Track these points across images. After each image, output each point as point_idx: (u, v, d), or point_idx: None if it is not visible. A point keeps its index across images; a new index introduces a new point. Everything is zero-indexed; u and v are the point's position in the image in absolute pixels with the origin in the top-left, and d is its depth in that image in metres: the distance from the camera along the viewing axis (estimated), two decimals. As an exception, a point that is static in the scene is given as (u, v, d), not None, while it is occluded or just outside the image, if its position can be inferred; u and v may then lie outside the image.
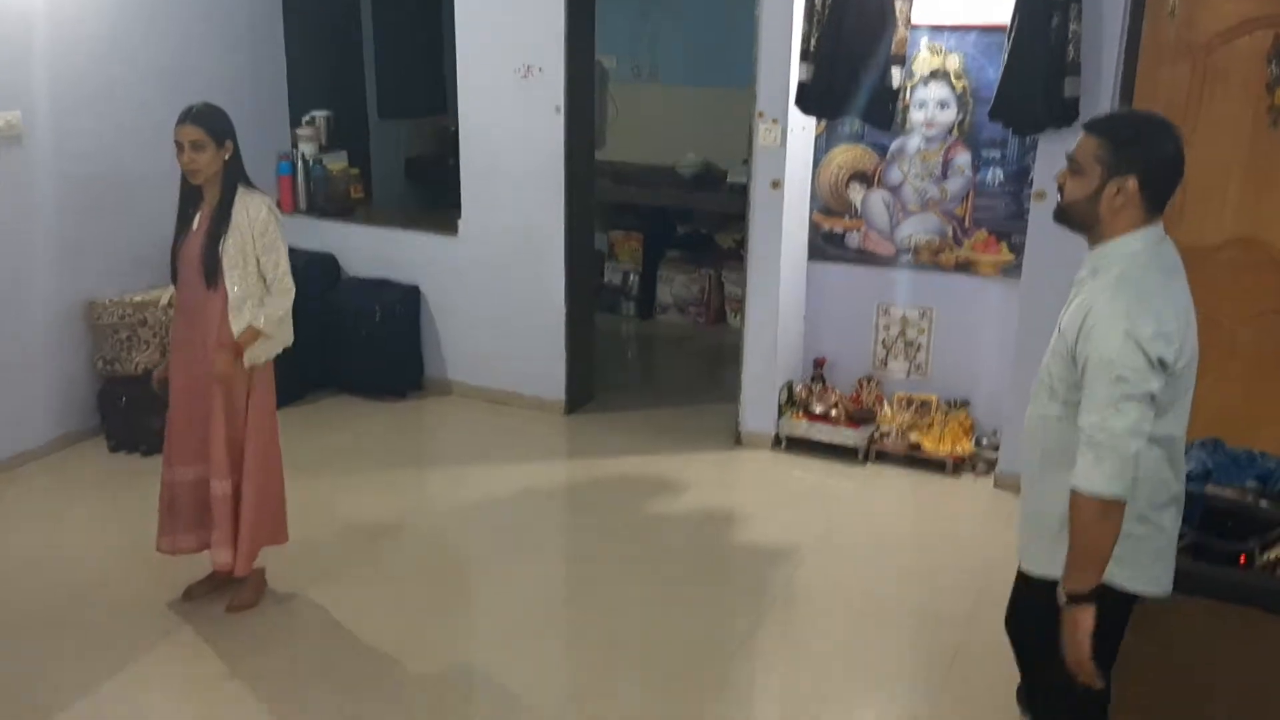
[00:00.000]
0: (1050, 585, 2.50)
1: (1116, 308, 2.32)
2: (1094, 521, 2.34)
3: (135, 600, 3.94)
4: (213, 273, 3.61)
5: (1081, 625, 2.38)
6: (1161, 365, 2.30)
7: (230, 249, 3.60)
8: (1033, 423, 2.60)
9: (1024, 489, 2.66)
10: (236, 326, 3.64)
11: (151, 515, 3.86)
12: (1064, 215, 2.51)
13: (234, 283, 3.62)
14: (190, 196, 3.67)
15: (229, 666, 3.61)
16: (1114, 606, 2.51)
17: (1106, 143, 2.39)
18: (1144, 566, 2.50)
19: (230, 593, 3.92)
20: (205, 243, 3.61)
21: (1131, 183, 2.36)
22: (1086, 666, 2.42)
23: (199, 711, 3.40)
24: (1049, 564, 2.51)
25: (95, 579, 4.12)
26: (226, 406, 3.70)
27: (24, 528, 4.53)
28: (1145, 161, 2.37)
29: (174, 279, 3.75)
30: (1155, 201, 2.40)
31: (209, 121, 3.56)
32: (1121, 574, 2.46)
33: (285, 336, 3.76)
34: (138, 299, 5.13)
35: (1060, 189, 2.49)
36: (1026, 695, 3.18)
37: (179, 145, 3.53)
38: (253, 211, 3.63)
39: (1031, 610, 2.70)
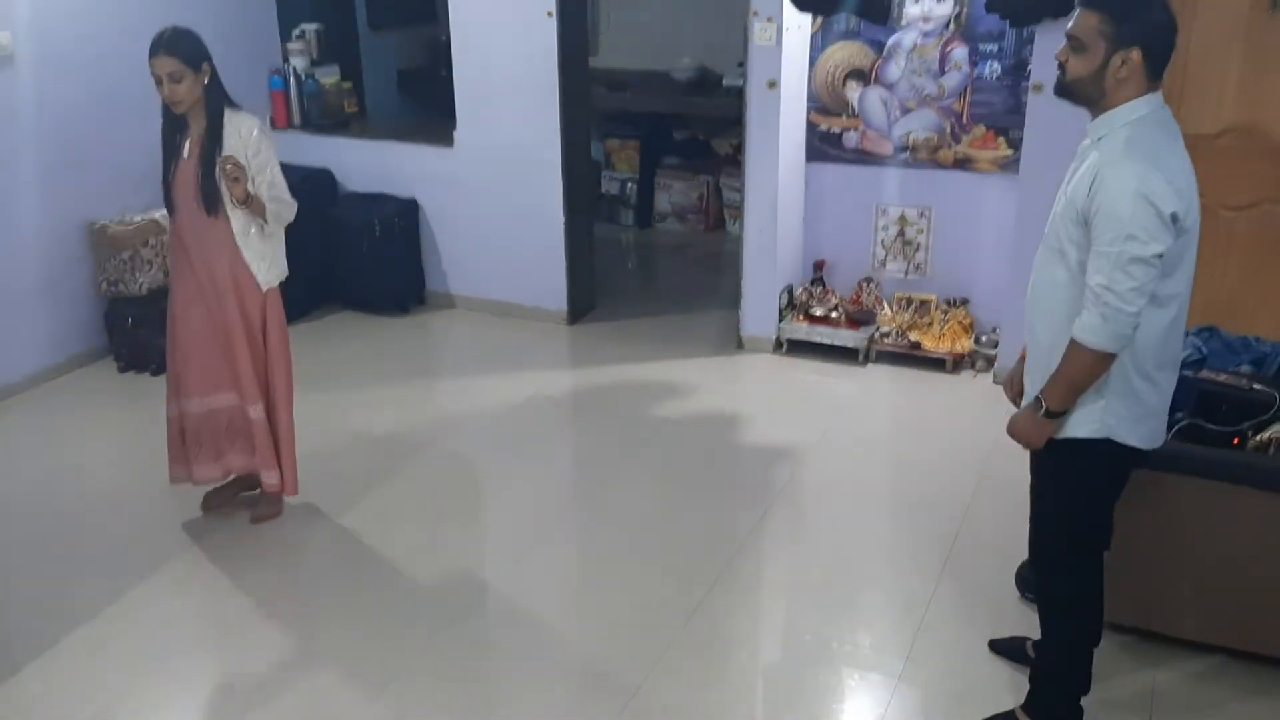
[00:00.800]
0: (1064, 443, 2.63)
1: (1128, 168, 2.38)
2: (1087, 367, 2.49)
3: (154, 514, 4.03)
4: (213, 201, 3.58)
5: (1045, 432, 2.61)
6: (1174, 220, 2.38)
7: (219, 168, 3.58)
8: (1041, 289, 2.66)
9: (1033, 355, 2.71)
10: (248, 254, 3.65)
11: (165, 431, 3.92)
12: (1067, 91, 2.55)
13: (234, 209, 3.61)
14: (176, 123, 3.59)
15: (246, 575, 3.71)
16: (1115, 462, 2.65)
17: (1107, 17, 2.42)
18: (1141, 422, 2.61)
19: (249, 502, 4.02)
20: (201, 171, 3.56)
21: (1135, 54, 2.41)
22: (1040, 444, 2.64)
23: (219, 616, 3.50)
24: (1071, 424, 2.61)
25: (113, 495, 4.20)
26: (248, 331, 3.72)
27: (40, 448, 4.61)
28: (1146, 31, 2.42)
29: (170, 209, 3.67)
30: (1156, 69, 2.46)
31: (181, 48, 3.45)
32: (1123, 429, 2.59)
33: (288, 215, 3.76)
34: (138, 219, 5.14)
35: (1062, 66, 2.53)
36: (1029, 573, 3.27)
37: (156, 79, 3.45)
38: (244, 132, 3.59)
39: (1039, 470, 2.80)
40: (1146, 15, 2.43)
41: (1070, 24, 2.49)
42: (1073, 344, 2.49)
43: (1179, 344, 2.62)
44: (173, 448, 3.87)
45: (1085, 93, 2.51)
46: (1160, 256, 2.39)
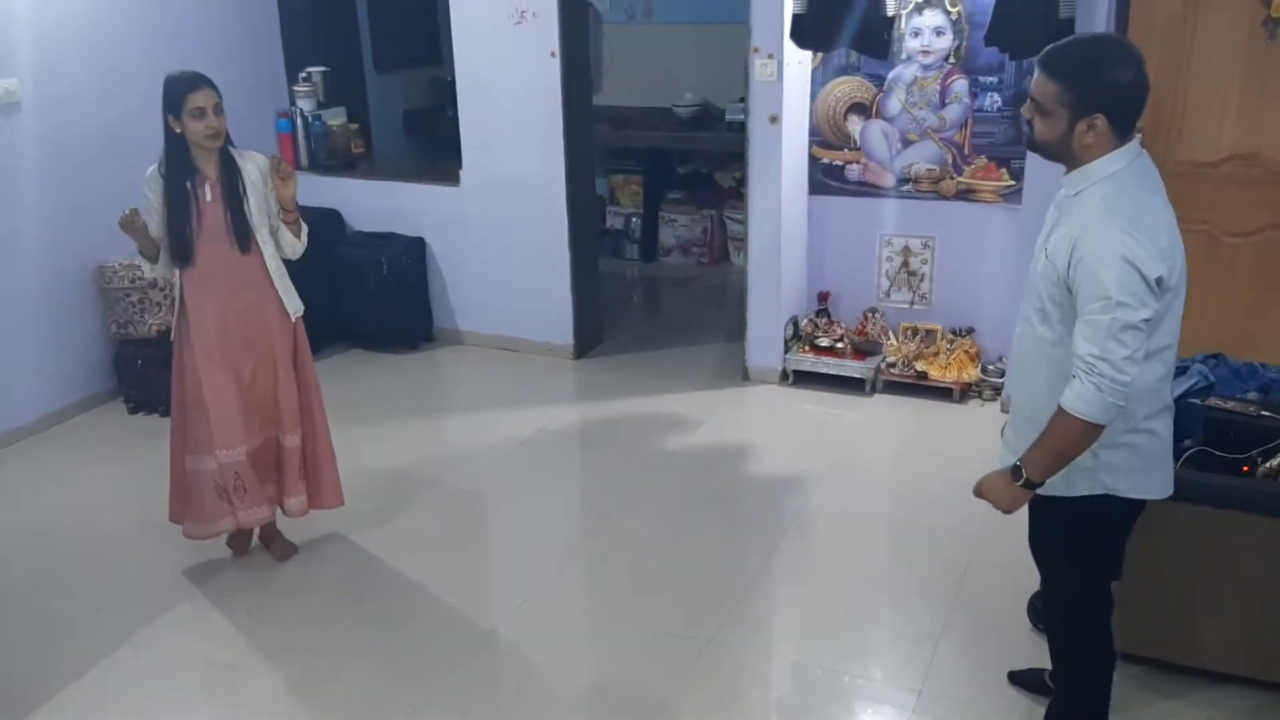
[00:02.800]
0: (1060, 502, 2.58)
1: (1109, 234, 2.32)
2: (1077, 438, 2.41)
3: (164, 555, 4.03)
4: (247, 237, 3.63)
5: (1019, 500, 2.54)
6: (1159, 284, 2.33)
7: (254, 210, 3.63)
8: (1027, 346, 2.63)
9: (1022, 411, 2.67)
10: (279, 286, 3.72)
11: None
12: (1037, 148, 2.51)
13: (265, 242, 3.66)
14: (185, 170, 3.55)
15: (254, 615, 3.72)
16: (1119, 513, 2.60)
17: (1067, 86, 2.36)
18: (1143, 474, 2.57)
19: (268, 547, 4.04)
20: (231, 211, 3.59)
21: (1100, 120, 2.35)
22: (1011, 511, 2.58)
23: (228, 657, 3.49)
24: (1056, 483, 2.56)
25: (123, 536, 4.20)
26: (285, 363, 3.79)
27: (49, 489, 4.62)
28: (1107, 96, 2.35)
29: (187, 259, 3.60)
30: (1126, 127, 2.40)
31: (214, 83, 3.54)
32: (1123, 484, 2.55)
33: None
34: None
35: (1029, 124, 2.47)
36: (1041, 604, 3.26)
37: (199, 111, 3.46)
38: (260, 165, 3.66)
39: (1039, 526, 2.78)
40: (1106, 80, 2.36)
41: (1032, 84, 2.43)
42: (1062, 414, 2.39)
43: (1168, 393, 2.58)
44: (202, 504, 3.76)
45: (1055, 153, 2.47)
46: (1148, 321, 2.34)
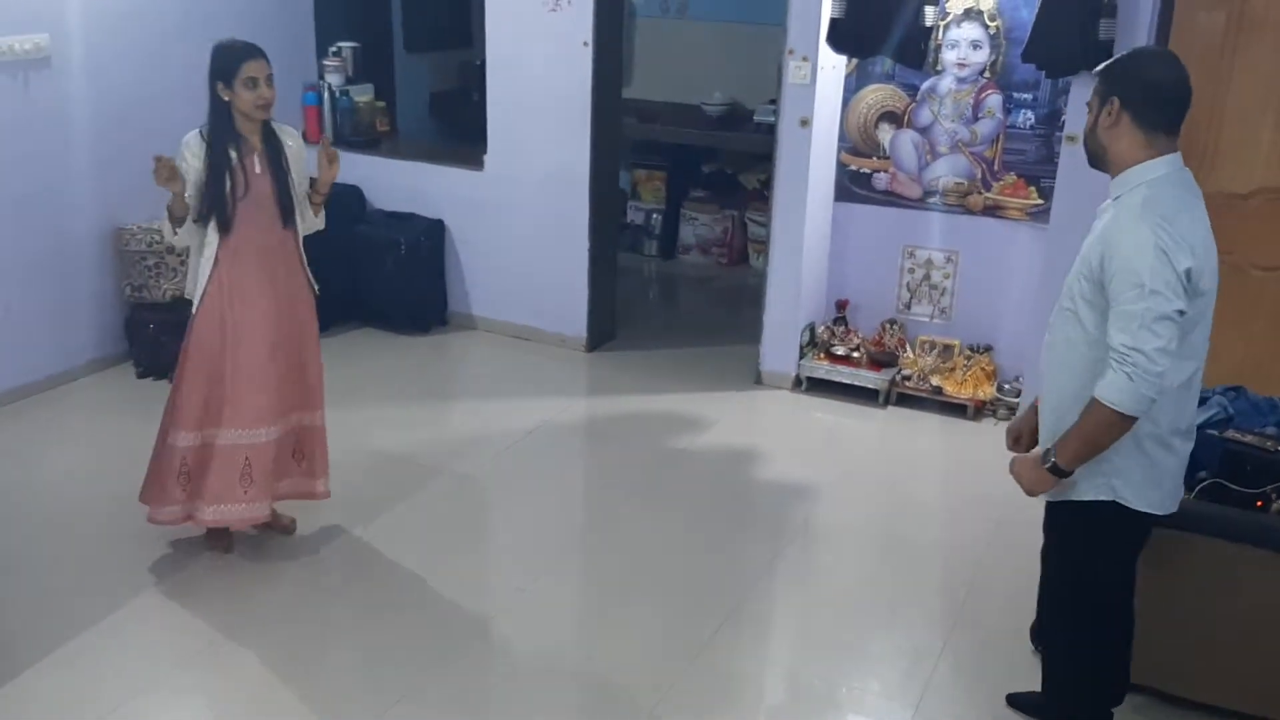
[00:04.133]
0: (1070, 505, 2.62)
1: (1143, 227, 2.39)
2: (1108, 428, 2.45)
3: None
4: (291, 213, 3.62)
5: (1046, 483, 2.61)
6: (1188, 276, 2.38)
7: (295, 184, 3.62)
8: (1058, 346, 2.65)
9: (1047, 405, 2.70)
10: (305, 263, 3.71)
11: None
12: (1087, 153, 2.63)
13: (300, 216, 3.66)
14: (231, 138, 3.50)
15: (252, 589, 3.70)
16: (1123, 525, 2.62)
17: (1101, 74, 2.56)
18: (1153, 486, 2.59)
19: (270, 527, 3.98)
20: (277, 185, 3.57)
21: (1115, 103, 2.48)
22: (1036, 494, 2.68)
23: (223, 630, 3.47)
24: (1078, 487, 2.60)
25: (125, 499, 4.17)
26: (315, 338, 3.78)
27: (53, 450, 4.61)
28: (1126, 82, 2.49)
29: (228, 227, 3.52)
30: (1150, 123, 2.48)
31: (266, 54, 3.51)
32: (1130, 493, 2.59)
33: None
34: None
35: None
36: (1042, 631, 3.23)
37: (253, 81, 3.43)
38: (294, 139, 3.66)
39: (1053, 530, 2.80)
40: (1131, 68, 2.52)
41: None
42: (1095, 403, 2.44)
43: (1194, 411, 2.60)
44: (223, 486, 3.63)
45: (1092, 148, 2.59)
46: (1183, 314, 2.38)
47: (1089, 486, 2.59)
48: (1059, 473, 2.56)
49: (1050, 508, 2.66)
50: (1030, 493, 2.68)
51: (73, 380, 5.18)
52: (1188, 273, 2.37)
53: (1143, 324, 2.35)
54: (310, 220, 3.75)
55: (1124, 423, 2.42)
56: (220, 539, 3.86)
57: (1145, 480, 2.56)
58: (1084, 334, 2.53)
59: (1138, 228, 2.39)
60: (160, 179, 3.41)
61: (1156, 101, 2.49)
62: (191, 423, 3.63)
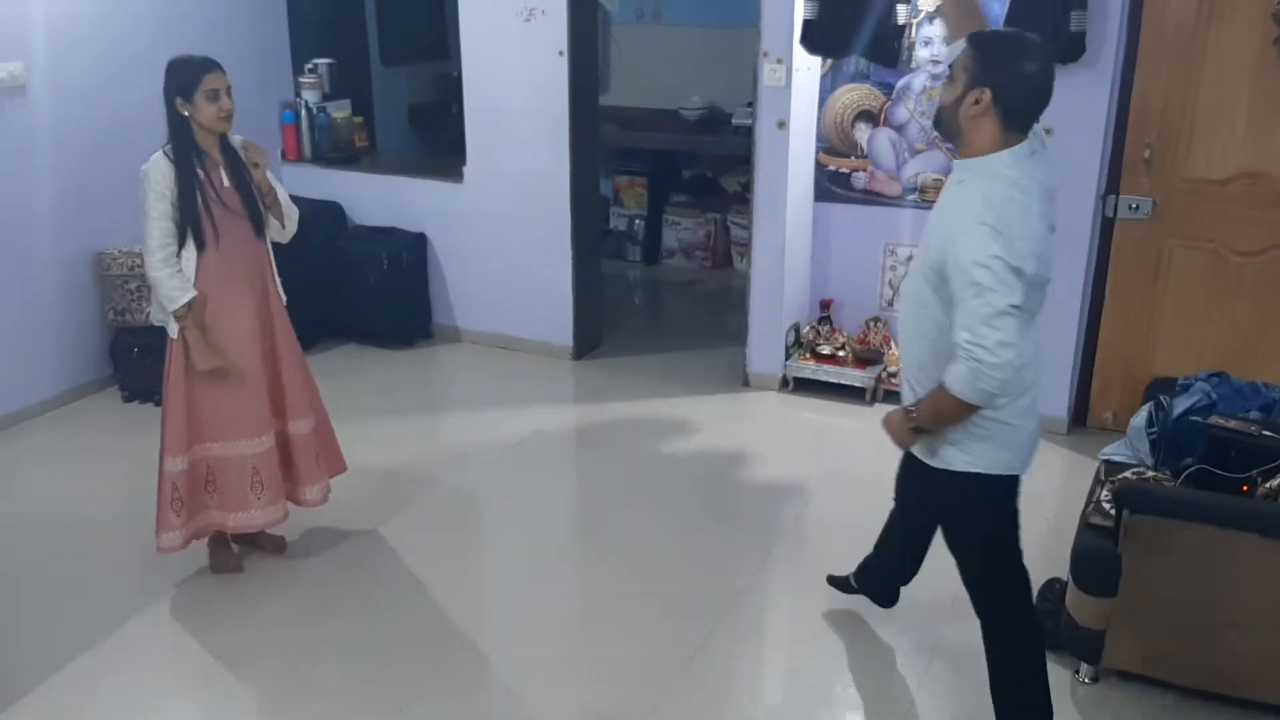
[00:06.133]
0: (932, 470, 2.78)
1: (983, 231, 2.45)
2: (955, 411, 2.59)
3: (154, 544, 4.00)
4: (262, 222, 3.63)
5: (908, 438, 2.78)
6: (1020, 274, 2.46)
7: (260, 195, 3.63)
8: (910, 311, 2.77)
9: (904, 365, 2.86)
10: (275, 270, 3.72)
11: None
12: (937, 119, 2.67)
13: (269, 227, 3.67)
14: (195, 154, 3.49)
15: (247, 607, 3.69)
16: (987, 489, 2.74)
17: (975, 53, 2.53)
18: (1006, 451, 2.69)
19: (258, 546, 3.99)
20: (244, 195, 3.58)
21: (986, 94, 2.49)
22: (901, 446, 2.88)
23: (220, 647, 3.47)
24: (940, 455, 2.74)
25: (116, 524, 4.17)
26: (296, 346, 3.79)
27: (42, 475, 4.61)
28: (1004, 76, 2.50)
29: (203, 244, 3.50)
30: (1012, 119, 2.52)
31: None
32: (987, 463, 2.69)
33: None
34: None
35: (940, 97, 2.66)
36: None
37: (214, 93, 3.43)
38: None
39: (921, 494, 3.02)
40: (1010, 63, 2.51)
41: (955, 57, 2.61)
42: (943, 388, 2.56)
43: (1034, 389, 2.70)
44: (174, 503, 3.64)
45: (947, 123, 2.61)
46: (1018, 307, 2.46)
47: (944, 456, 2.73)
48: (920, 431, 2.71)
49: (924, 474, 2.82)
50: (898, 445, 2.87)
51: (60, 406, 5.17)
52: (1019, 270, 2.45)
53: (983, 320, 2.44)
54: (275, 228, 3.72)
55: (969, 408, 2.56)
56: (227, 561, 3.86)
57: (995, 449, 2.68)
58: (930, 313, 2.64)
59: (977, 231, 2.45)
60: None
61: (1026, 103, 2.54)
62: (180, 446, 3.63)
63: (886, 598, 3.54)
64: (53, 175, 5.02)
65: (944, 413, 2.62)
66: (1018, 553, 2.86)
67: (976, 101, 2.50)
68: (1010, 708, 2.91)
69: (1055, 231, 2.67)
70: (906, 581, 3.47)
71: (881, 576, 3.52)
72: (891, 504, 3.49)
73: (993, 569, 2.87)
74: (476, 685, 3.35)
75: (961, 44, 2.61)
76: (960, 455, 2.70)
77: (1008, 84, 2.50)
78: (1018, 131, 2.55)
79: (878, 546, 3.49)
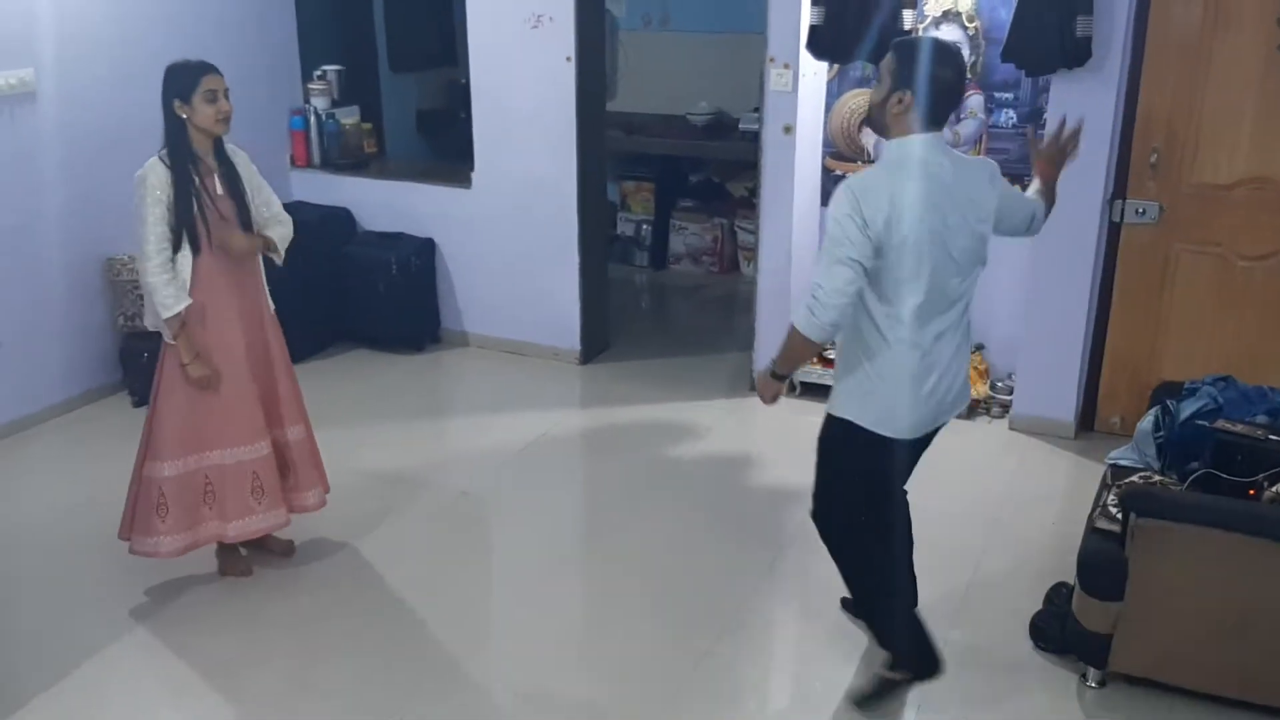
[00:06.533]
0: (829, 415, 3.11)
1: (847, 191, 2.82)
2: (798, 346, 2.96)
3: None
4: (253, 229, 3.65)
5: (769, 390, 3.14)
6: (865, 228, 2.77)
7: (252, 201, 3.65)
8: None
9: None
10: (273, 233, 3.72)
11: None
12: (868, 116, 3.05)
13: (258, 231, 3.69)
14: (192, 160, 3.50)
15: (253, 612, 3.71)
16: (863, 441, 3.02)
17: (898, 60, 2.87)
18: (876, 409, 2.98)
19: (267, 548, 4.01)
20: (237, 203, 3.60)
21: (908, 96, 2.83)
22: (769, 401, 3.17)
23: (225, 653, 3.48)
24: (832, 403, 3.11)
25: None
26: (285, 354, 3.80)
27: (52, 481, 4.63)
28: (920, 80, 2.83)
29: (197, 248, 3.52)
30: (929, 115, 2.85)
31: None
32: (855, 412, 3.01)
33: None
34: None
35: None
36: (1043, 623, 3.39)
37: (212, 95, 3.45)
38: (242, 158, 3.68)
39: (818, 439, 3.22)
40: (929, 68, 2.83)
41: (884, 61, 2.94)
42: (792, 330, 2.93)
43: (912, 360, 2.93)
44: (160, 510, 3.65)
45: (876, 119, 2.94)
46: (858, 261, 2.78)
47: (833, 404, 3.07)
48: (777, 377, 3.06)
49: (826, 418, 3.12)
50: (764, 400, 3.15)
51: (69, 411, 5.20)
52: (865, 226, 2.76)
53: (825, 266, 2.81)
54: (282, 236, 3.75)
55: (809, 344, 2.92)
56: (235, 564, 3.88)
57: (871, 405, 2.98)
58: None
59: (842, 192, 2.81)
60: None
61: (943, 100, 2.87)
62: (171, 452, 3.62)
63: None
64: (63, 181, 5.05)
65: (790, 350, 3.00)
66: (875, 510, 3.17)
67: (900, 101, 2.83)
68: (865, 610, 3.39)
69: (982, 223, 2.98)
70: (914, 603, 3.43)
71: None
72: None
73: (836, 505, 3.19)
74: (482, 689, 3.36)
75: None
76: (841, 403, 3.05)
77: (930, 88, 2.82)
78: (934, 126, 2.87)
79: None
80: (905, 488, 3.35)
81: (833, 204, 2.84)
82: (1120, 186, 4.66)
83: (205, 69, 3.49)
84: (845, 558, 3.25)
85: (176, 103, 3.47)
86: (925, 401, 2.99)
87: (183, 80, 3.47)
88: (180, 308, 3.50)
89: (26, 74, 4.81)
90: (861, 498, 3.17)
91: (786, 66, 4.98)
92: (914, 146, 2.85)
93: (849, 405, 3.02)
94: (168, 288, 3.48)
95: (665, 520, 4.31)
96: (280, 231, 3.72)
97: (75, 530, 4.20)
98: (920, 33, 5.01)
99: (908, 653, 3.18)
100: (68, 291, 5.15)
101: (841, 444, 3.08)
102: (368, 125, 6.48)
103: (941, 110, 2.89)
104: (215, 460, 3.66)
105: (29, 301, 4.98)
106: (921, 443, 3.16)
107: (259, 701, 3.28)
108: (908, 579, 3.36)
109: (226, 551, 3.88)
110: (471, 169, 5.86)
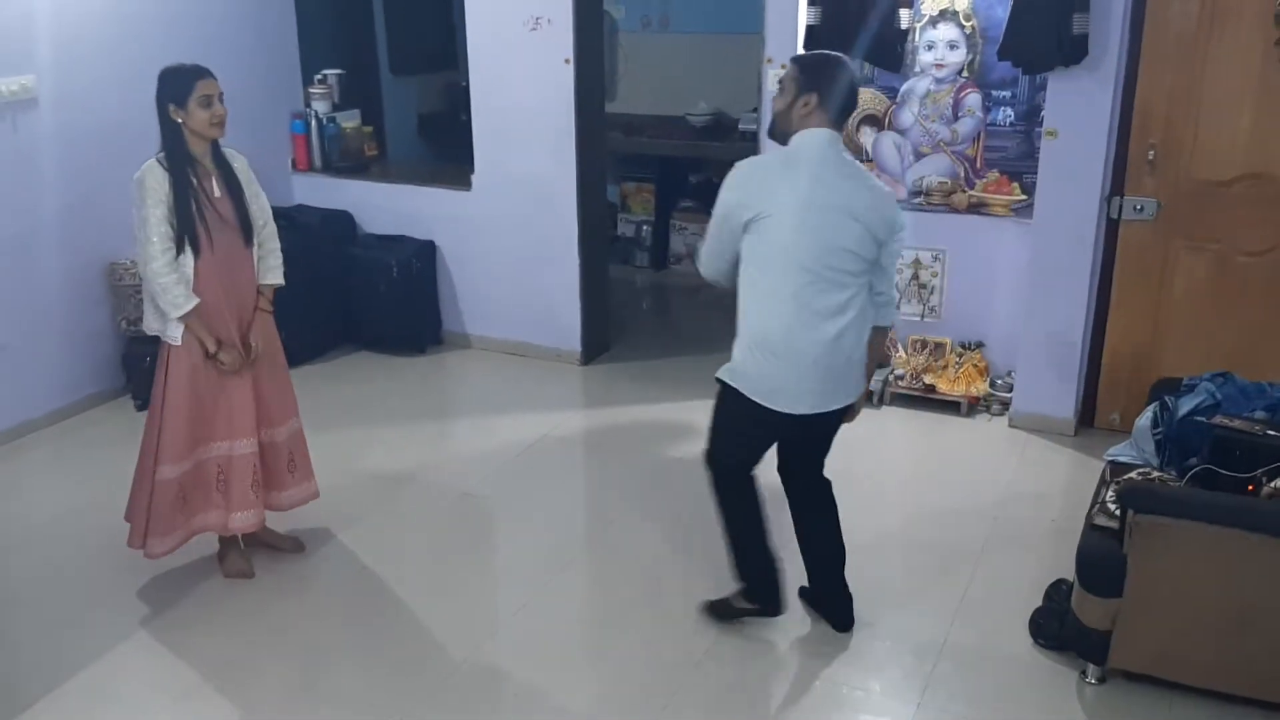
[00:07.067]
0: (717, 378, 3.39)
1: (726, 181, 3.22)
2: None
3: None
4: (251, 231, 3.68)
5: None
6: (725, 218, 3.22)
7: (250, 202, 3.68)
8: None
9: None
10: (273, 280, 3.76)
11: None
12: (772, 124, 3.29)
13: (254, 234, 3.70)
14: (188, 162, 3.53)
15: (254, 614, 3.72)
16: (748, 407, 3.28)
17: (799, 69, 3.20)
18: (756, 382, 3.25)
19: (275, 547, 4.04)
20: (236, 204, 3.62)
21: (814, 98, 3.14)
22: None
23: (228, 656, 3.49)
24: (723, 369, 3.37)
25: (125, 532, 4.21)
26: (279, 352, 3.86)
27: (55, 485, 4.64)
28: (822, 85, 3.14)
29: (198, 250, 3.53)
30: (831, 116, 3.16)
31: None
32: (741, 382, 3.28)
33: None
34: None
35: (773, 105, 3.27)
36: (1044, 620, 3.34)
37: (207, 99, 3.47)
38: (240, 160, 3.70)
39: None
40: (826, 75, 3.16)
41: (782, 75, 3.26)
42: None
43: (778, 333, 3.18)
44: (194, 503, 3.72)
45: (781, 125, 3.21)
46: (722, 238, 3.22)
47: (726, 371, 3.33)
48: None
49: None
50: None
51: (73, 415, 5.22)
52: (730, 200, 3.20)
53: (701, 232, 3.05)
54: (275, 253, 3.81)
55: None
56: (237, 566, 3.89)
57: (742, 375, 3.27)
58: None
59: (733, 171, 3.21)
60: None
61: (842, 101, 3.18)
62: (179, 453, 3.65)
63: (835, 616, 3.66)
64: (64, 186, 5.07)
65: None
66: (743, 469, 3.46)
67: (806, 104, 3.14)
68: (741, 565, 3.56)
69: (849, 232, 3.13)
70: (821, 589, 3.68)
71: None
72: (891, 503, 3.52)
73: (712, 452, 3.47)
74: (484, 690, 3.37)
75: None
76: (727, 369, 3.33)
77: (828, 90, 3.14)
78: (836, 126, 3.18)
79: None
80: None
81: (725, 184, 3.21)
82: (1118, 183, 4.67)
83: (199, 73, 3.51)
84: (725, 510, 3.55)
85: (171, 107, 3.49)
86: (793, 383, 3.21)
87: (177, 85, 3.49)
88: (190, 306, 3.53)
89: (28, 80, 4.83)
90: (732, 461, 3.48)
91: (783, 67, 4.96)
92: (820, 136, 3.14)
93: (733, 372, 3.31)
94: (177, 287, 3.51)
95: (667, 520, 4.32)
96: (272, 270, 3.78)
97: (78, 533, 4.22)
98: (917, 32, 5.03)
99: (757, 590, 3.52)
100: (70, 296, 5.17)
101: (722, 400, 3.39)
102: (368, 128, 6.49)
103: (844, 110, 3.20)
104: (225, 450, 3.72)
105: (32, 306, 5.00)
106: (814, 424, 3.33)
107: (262, 704, 3.29)
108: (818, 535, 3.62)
109: (229, 552, 3.90)
110: (472, 171, 5.88)
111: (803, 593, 3.69)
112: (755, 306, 3.22)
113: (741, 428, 3.37)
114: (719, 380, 3.34)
